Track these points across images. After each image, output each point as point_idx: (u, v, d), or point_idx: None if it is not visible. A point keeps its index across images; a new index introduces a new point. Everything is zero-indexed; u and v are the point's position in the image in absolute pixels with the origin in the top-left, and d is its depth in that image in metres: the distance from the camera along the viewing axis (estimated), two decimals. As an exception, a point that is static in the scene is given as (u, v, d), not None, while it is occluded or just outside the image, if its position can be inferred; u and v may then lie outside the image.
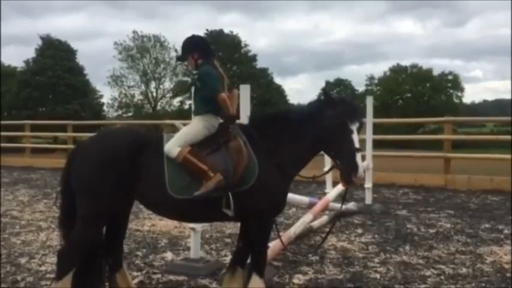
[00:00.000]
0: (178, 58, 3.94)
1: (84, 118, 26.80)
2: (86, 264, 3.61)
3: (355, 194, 9.33)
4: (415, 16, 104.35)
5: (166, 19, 79.74)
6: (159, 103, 43.37)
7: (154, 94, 43.22)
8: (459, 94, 49.90)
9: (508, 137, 11.46)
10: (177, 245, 5.97)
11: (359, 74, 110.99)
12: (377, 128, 10.59)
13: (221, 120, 3.63)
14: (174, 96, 41.88)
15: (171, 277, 4.69)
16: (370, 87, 50.90)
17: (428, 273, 4.84)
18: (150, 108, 42.92)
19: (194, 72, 3.72)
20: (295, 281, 4.59)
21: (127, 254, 5.14)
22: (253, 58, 40.89)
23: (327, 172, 3.53)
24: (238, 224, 3.84)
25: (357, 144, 3.31)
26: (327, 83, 54.08)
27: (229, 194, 3.34)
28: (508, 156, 10.43)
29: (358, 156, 3.29)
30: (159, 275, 4.77)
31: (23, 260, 5.27)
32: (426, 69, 49.43)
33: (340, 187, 7.16)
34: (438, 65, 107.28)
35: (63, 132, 18.35)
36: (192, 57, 3.73)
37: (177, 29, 76.85)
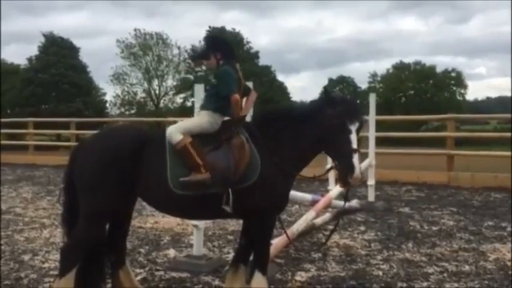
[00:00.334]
0: (200, 56, 4.00)
1: (87, 116, 26.84)
2: (89, 262, 3.62)
3: (358, 192, 9.32)
4: (418, 13, 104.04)
5: (169, 17, 79.63)
6: (161, 100, 43.40)
7: (157, 91, 43.25)
8: (462, 91, 49.79)
9: (509, 134, 11.43)
10: (179, 242, 5.98)
11: (362, 72, 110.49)
12: (380, 126, 10.59)
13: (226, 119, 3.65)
14: (177, 93, 41.91)
15: (174, 274, 4.70)
16: (373, 85, 50.82)
17: (431, 270, 4.84)
18: (153, 105, 42.95)
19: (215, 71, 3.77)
20: (298, 278, 4.59)
21: (130, 251, 5.15)
22: (256, 55, 40.85)
23: (326, 172, 3.51)
24: (241, 221, 3.84)
25: (354, 145, 3.27)
26: (330, 80, 53.98)
27: (230, 190, 3.35)
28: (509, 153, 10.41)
29: (355, 157, 3.25)
30: (161, 272, 4.79)
31: (26, 257, 5.29)
32: (429, 66, 49.30)
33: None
34: (441, 62, 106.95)
35: (66, 130, 18.38)
36: (214, 57, 3.76)
37: (179, 27, 76.90)
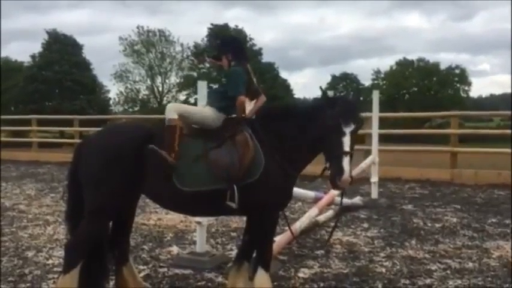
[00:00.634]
0: (213, 56, 4.09)
1: (90, 114, 26.89)
2: (93, 259, 3.63)
3: (361, 189, 9.32)
4: (421, 10, 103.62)
5: (171, 14, 79.60)
6: (165, 98, 43.44)
7: (160, 89, 43.29)
8: (466, 88, 49.65)
9: (509, 131, 11.39)
10: (183, 239, 6.00)
11: (365, 68, 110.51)
12: (383, 123, 10.58)
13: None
14: (180, 90, 41.95)
15: (177, 271, 4.71)
16: (376, 82, 50.70)
17: (434, 267, 4.84)
18: (156, 102, 42.99)
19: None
20: (301, 274, 4.60)
21: (133, 248, 5.17)
22: (259, 52, 40.81)
23: (322, 173, 3.47)
24: (244, 218, 3.84)
25: (346, 148, 3.23)
26: (333, 77, 53.89)
27: (234, 186, 3.35)
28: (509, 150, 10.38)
29: (346, 160, 3.21)
30: (165, 269, 4.80)
31: (30, 254, 5.32)
32: (433, 63, 49.17)
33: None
34: (445, 59, 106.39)
35: (69, 127, 18.42)
36: (226, 58, 3.83)
37: (182, 24, 76.90)
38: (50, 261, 5.03)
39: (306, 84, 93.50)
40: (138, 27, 42.04)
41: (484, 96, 71.95)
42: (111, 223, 3.75)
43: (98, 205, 3.47)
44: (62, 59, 32.75)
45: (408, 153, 13.67)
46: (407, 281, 4.45)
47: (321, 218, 6.49)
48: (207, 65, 39.31)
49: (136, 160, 3.44)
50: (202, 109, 3.80)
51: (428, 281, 4.46)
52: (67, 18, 75.07)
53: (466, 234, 6.18)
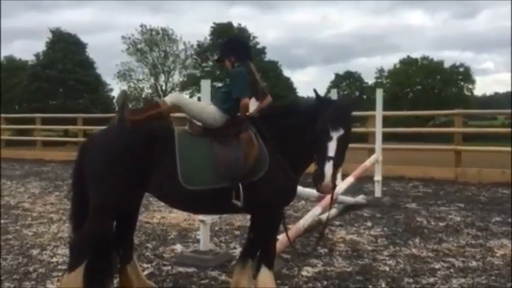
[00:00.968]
0: (216, 60, 4.10)
1: (94, 113, 26.94)
2: (98, 257, 3.64)
3: (364, 187, 9.31)
4: (424, 8, 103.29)
5: (174, 12, 79.78)
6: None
7: (164, 87, 43.32)
8: (470, 87, 49.51)
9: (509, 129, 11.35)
10: (186, 237, 6.01)
11: (368, 67, 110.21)
12: (387, 121, 10.56)
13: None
14: (183, 88, 41.99)
15: (181, 269, 4.73)
16: (379, 80, 50.62)
17: (437, 266, 4.83)
18: (160, 101, 43.00)
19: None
20: (304, 273, 4.60)
21: (137, 246, 5.18)
22: (262, 51, 40.80)
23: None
24: (248, 217, 3.85)
25: (330, 153, 3.19)
26: (337, 75, 53.79)
27: (240, 185, 3.36)
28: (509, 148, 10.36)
29: (328, 165, 3.17)
30: (168, 267, 4.81)
31: (34, 252, 5.34)
32: (437, 61, 49.06)
33: (349, 180, 7.17)
34: (448, 57, 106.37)
35: (73, 126, 18.48)
36: (229, 60, 3.84)
37: (185, 22, 76.91)
38: (55, 259, 5.05)
39: (309, 82, 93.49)
40: (141, 26, 42.12)
41: (488, 94, 71.71)
42: (115, 221, 3.77)
43: (103, 203, 3.48)
44: (66, 58, 32.83)
45: (412, 152, 13.64)
46: (411, 280, 4.44)
47: (324, 216, 6.49)
48: (210, 63, 39.35)
49: (141, 158, 3.45)
50: (205, 105, 3.80)
51: (431, 279, 4.46)
52: (70, 16, 75.37)
53: (469, 232, 6.17)
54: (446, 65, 48.74)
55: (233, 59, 3.81)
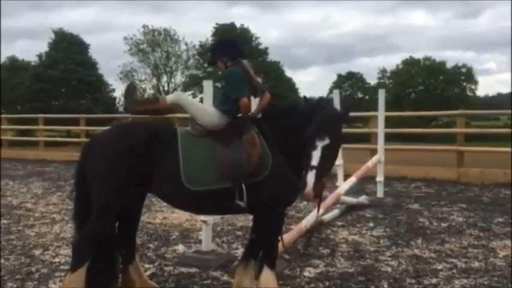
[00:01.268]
0: (209, 62, 4.09)
1: (96, 113, 26.98)
2: (100, 257, 3.65)
3: (366, 187, 9.30)
4: (426, 8, 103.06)
5: (176, 12, 79.83)
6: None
7: (166, 88, 43.34)
8: (472, 87, 49.44)
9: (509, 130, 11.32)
10: (188, 237, 6.01)
11: (371, 67, 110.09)
12: (389, 121, 10.55)
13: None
14: (186, 89, 42.01)
15: (183, 269, 4.73)
16: (382, 80, 50.57)
17: (440, 267, 4.82)
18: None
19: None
20: (306, 273, 4.60)
21: (139, 247, 5.19)
22: (265, 52, 40.81)
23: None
24: (250, 217, 3.85)
25: (313, 162, 3.15)
26: (339, 76, 53.78)
27: (243, 185, 3.36)
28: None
29: (310, 174, 3.13)
30: (171, 267, 4.82)
31: (37, 252, 5.35)
32: (439, 62, 49.01)
33: (351, 180, 7.17)
34: (450, 57, 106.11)
35: (76, 126, 18.51)
36: (221, 61, 3.83)
37: (187, 23, 76.96)
38: (57, 260, 5.06)
39: (311, 83, 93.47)
40: (143, 27, 42.16)
41: (490, 95, 71.51)
42: (117, 222, 3.77)
43: (105, 204, 3.49)
44: (68, 58, 32.89)
45: (414, 152, 13.61)
46: (413, 281, 4.44)
47: (327, 217, 6.50)
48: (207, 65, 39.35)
49: (143, 159, 3.46)
50: (206, 107, 3.81)
51: (434, 280, 4.45)
52: (73, 16, 75.47)
53: (472, 233, 6.16)
54: (449, 65, 48.73)
55: (225, 59, 3.79)
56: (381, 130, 8.80)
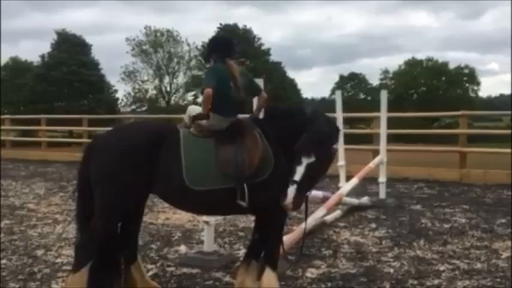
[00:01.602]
0: (205, 60, 4.19)
1: (99, 113, 27.03)
2: (103, 257, 3.65)
3: (369, 189, 9.29)
4: (429, 8, 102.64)
5: (178, 13, 79.89)
6: (172, 97, 43.54)
7: (168, 88, 43.40)
8: (475, 88, 49.35)
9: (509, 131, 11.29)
10: (190, 238, 6.02)
11: (373, 67, 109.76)
12: (391, 122, 10.52)
13: (232, 119, 3.71)
14: (187, 90, 42.04)
15: (185, 270, 4.73)
16: (384, 81, 50.52)
17: (442, 268, 4.81)
18: (164, 102, 43.09)
19: None
20: (308, 274, 4.60)
21: (141, 247, 5.19)
22: (267, 53, 40.82)
23: None
24: (252, 218, 3.86)
25: (295, 177, 3.22)
26: (341, 77, 53.77)
27: (245, 185, 3.37)
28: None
29: (291, 188, 3.20)
30: (173, 268, 4.82)
31: (39, 252, 5.36)
32: (442, 62, 48.94)
33: (353, 181, 7.16)
34: (453, 58, 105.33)
35: (78, 127, 18.55)
36: (212, 59, 3.90)
37: (189, 23, 77.00)
38: (59, 260, 5.07)
39: (314, 83, 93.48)
40: (145, 28, 42.21)
41: (493, 96, 71.26)
42: (120, 222, 3.78)
43: (107, 204, 3.50)
44: (71, 59, 32.96)
45: (416, 153, 13.59)
46: (416, 282, 4.43)
47: (329, 218, 6.49)
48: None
49: (147, 160, 3.46)
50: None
51: (436, 281, 4.44)
52: (75, 17, 75.49)
53: (474, 234, 6.14)
54: (451, 66, 48.65)
55: (214, 56, 3.87)
56: (383, 131, 8.80)
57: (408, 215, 7.35)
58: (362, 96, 52.57)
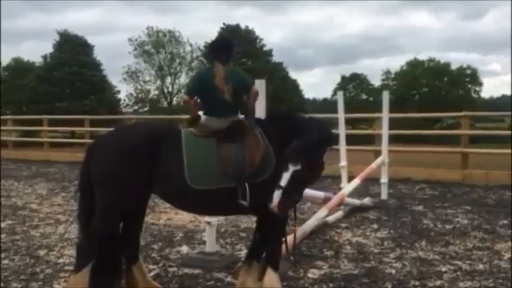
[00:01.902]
0: (207, 60, 4.30)
1: (101, 114, 27.06)
2: (104, 257, 3.66)
3: (370, 189, 9.29)
4: (430, 8, 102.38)
5: (180, 13, 79.87)
6: (174, 98, 43.55)
7: (170, 89, 43.41)
8: (477, 89, 49.26)
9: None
10: (192, 238, 6.02)
11: (374, 68, 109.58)
12: (393, 123, 10.51)
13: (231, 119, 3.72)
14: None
15: (187, 270, 4.74)
16: (386, 82, 50.45)
17: (444, 269, 4.81)
18: (166, 103, 43.10)
19: None
20: (310, 275, 4.60)
21: (143, 247, 5.20)
22: (269, 53, 40.77)
23: None
24: (253, 218, 3.86)
25: (282, 183, 3.22)
26: (343, 77, 53.70)
27: (246, 184, 3.37)
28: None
29: (276, 193, 3.21)
30: (175, 268, 4.82)
31: (41, 253, 5.37)
32: (444, 63, 48.86)
33: (355, 182, 7.16)
34: (455, 58, 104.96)
35: (80, 127, 18.57)
36: (210, 59, 3.99)
37: (191, 24, 77.01)
38: (61, 260, 5.08)
39: (316, 84, 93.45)
40: (147, 28, 42.23)
41: (495, 96, 71.04)
42: (121, 222, 3.78)
43: (109, 204, 3.51)
44: (73, 59, 32.99)
45: (418, 154, 13.59)
46: (417, 283, 4.43)
47: (330, 218, 6.49)
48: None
49: (148, 160, 3.47)
50: None
51: (438, 282, 4.44)
52: (77, 18, 75.58)
53: (476, 235, 6.14)
54: (453, 66, 48.56)
55: (210, 57, 3.94)
56: (385, 132, 8.79)
57: (410, 215, 7.35)
58: (364, 96, 52.52)
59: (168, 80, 43.32)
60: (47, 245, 5.67)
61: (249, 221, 6.56)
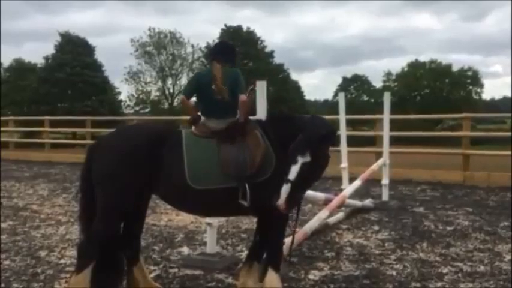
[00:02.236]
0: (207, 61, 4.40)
1: (102, 115, 27.08)
2: (105, 258, 3.66)
3: (372, 191, 9.28)
4: (432, 10, 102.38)
5: (182, 15, 79.93)
6: (175, 99, 43.54)
7: (171, 90, 43.43)
8: (478, 90, 49.22)
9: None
10: (193, 239, 6.02)
11: (376, 69, 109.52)
12: (394, 124, 10.52)
13: (230, 120, 3.73)
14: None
15: (188, 271, 4.74)
16: (387, 83, 50.43)
17: (445, 270, 4.81)
18: (167, 104, 43.13)
19: None
20: (311, 276, 4.59)
21: (144, 249, 5.20)
22: (271, 55, 40.78)
23: None
24: (254, 219, 3.86)
25: (290, 176, 3.22)
26: (344, 79, 53.69)
27: (246, 184, 3.38)
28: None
29: (285, 187, 3.21)
30: (175, 269, 4.83)
31: (42, 253, 5.37)
32: (445, 64, 48.82)
33: (356, 183, 7.16)
34: (456, 60, 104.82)
35: (81, 128, 18.59)
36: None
37: (192, 25, 77.01)
38: (62, 261, 5.08)
39: (317, 85, 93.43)
40: (149, 29, 42.26)
41: (497, 98, 70.94)
42: (122, 223, 3.79)
43: (110, 204, 3.51)
44: (74, 60, 33.04)
45: (419, 155, 13.58)
46: (418, 284, 4.42)
47: (331, 220, 6.49)
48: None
49: (148, 160, 3.47)
50: None
51: (439, 284, 4.43)
52: (78, 18, 75.71)
53: (478, 237, 6.13)
54: (455, 68, 48.52)
55: (210, 59, 4.01)
56: (386, 133, 8.79)
57: (411, 217, 7.34)
58: (365, 98, 52.50)
59: (170, 81, 43.35)
60: (48, 246, 5.67)
61: (249, 222, 6.56)
